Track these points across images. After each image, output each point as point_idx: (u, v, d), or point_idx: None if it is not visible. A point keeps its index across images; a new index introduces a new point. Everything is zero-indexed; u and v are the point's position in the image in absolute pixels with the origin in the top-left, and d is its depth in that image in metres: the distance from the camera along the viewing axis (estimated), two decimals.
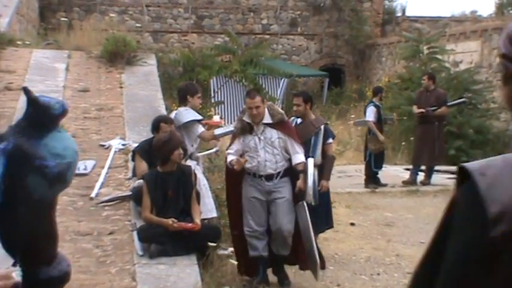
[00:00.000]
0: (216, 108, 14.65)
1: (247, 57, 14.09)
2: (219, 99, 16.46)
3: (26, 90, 3.45)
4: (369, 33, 21.50)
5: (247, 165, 5.47)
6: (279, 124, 5.49)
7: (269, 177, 5.44)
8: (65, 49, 11.51)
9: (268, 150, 5.43)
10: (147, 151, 5.84)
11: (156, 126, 5.90)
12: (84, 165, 6.80)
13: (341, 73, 21.80)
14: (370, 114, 10.18)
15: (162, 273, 4.85)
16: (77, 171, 3.56)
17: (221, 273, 5.39)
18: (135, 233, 5.34)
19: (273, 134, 5.46)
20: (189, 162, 5.91)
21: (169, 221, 5.10)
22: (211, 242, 5.34)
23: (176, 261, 5.06)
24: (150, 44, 19.25)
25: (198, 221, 5.24)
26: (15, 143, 3.20)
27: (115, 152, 7.46)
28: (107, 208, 6.18)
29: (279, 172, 5.45)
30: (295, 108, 6.29)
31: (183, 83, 7.23)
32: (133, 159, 6.25)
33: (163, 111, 8.38)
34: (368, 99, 13.14)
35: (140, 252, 5.17)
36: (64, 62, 10.60)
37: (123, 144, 7.68)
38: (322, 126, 6.16)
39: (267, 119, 5.47)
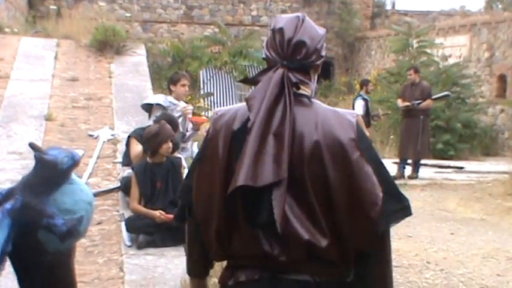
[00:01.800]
0: (205, 99, 14.64)
1: (237, 49, 14.04)
2: (209, 90, 16.43)
3: (32, 146, 3.26)
4: (359, 26, 21.51)
5: None
6: None
7: None
8: (54, 37, 11.42)
9: None
10: (142, 137, 5.69)
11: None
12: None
13: (330, 66, 21.82)
14: (359, 108, 10.19)
15: (149, 264, 4.85)
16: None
17: None
18: (123, 224, 5.33)
19: None
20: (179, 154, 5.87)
21: (157, 212, 5.09)
22: None
23: (164, 252, 5.05)
24: (139, 34, 19.15)
25: None
26: (22, 201, 3.04)
27: (103, 142, 7.43)
28: (95, 198, 6.13)
29: None
30: None
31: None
32: (127, 145, 6.00)
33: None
34: (357, 92, 13.18)
35: (128, 243, 5.17)
36: (53, 51, 10.52)
37: (111, 134, 7.65)
38: None
39: None
